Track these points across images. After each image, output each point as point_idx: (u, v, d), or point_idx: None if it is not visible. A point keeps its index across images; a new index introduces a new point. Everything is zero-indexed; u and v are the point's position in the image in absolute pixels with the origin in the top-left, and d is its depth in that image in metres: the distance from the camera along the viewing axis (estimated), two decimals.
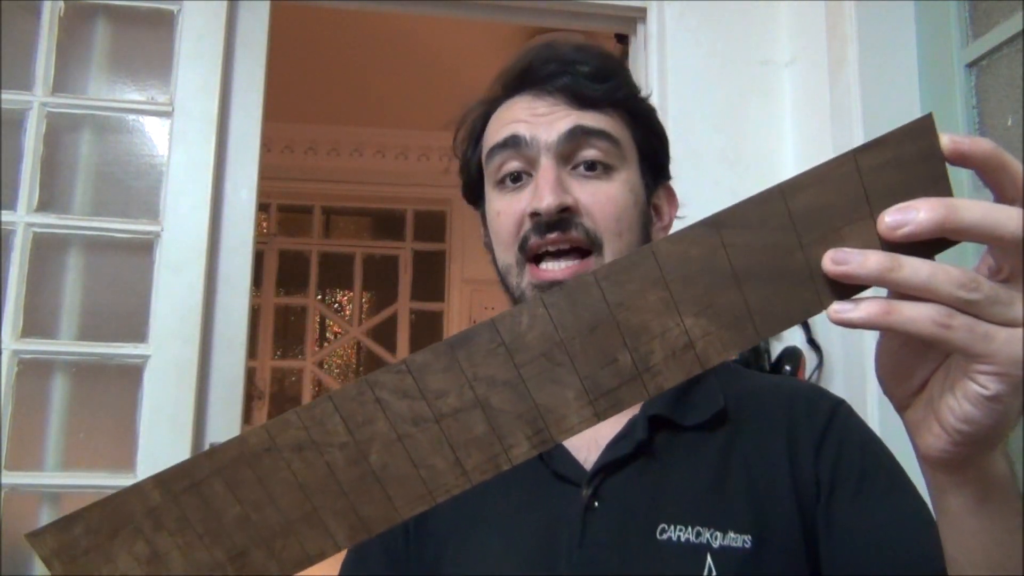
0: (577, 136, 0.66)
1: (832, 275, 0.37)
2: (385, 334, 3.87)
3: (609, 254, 0.65)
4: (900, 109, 1.41)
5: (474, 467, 0.39)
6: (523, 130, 0.67)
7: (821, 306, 0.38)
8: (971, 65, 1.35)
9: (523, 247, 0.66)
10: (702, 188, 1.56)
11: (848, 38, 1.44)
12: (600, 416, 0.38)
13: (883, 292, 0.38)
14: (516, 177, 0.68)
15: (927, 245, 0.36)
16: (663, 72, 1.64)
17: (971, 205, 0.35)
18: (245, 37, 1.56)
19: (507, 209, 0.68)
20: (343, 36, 2.72)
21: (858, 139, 1.40)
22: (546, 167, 0.65)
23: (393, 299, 3.87)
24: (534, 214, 0.65)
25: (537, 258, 0.67)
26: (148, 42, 1.55)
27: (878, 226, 0.36)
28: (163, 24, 1.52)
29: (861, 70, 1.42)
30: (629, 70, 0.74)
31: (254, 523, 0.39)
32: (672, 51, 1.64)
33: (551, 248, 0.66)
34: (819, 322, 1.50)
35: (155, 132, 1.52)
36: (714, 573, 0.59)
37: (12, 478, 1.35)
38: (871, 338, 1.33)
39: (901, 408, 0.42)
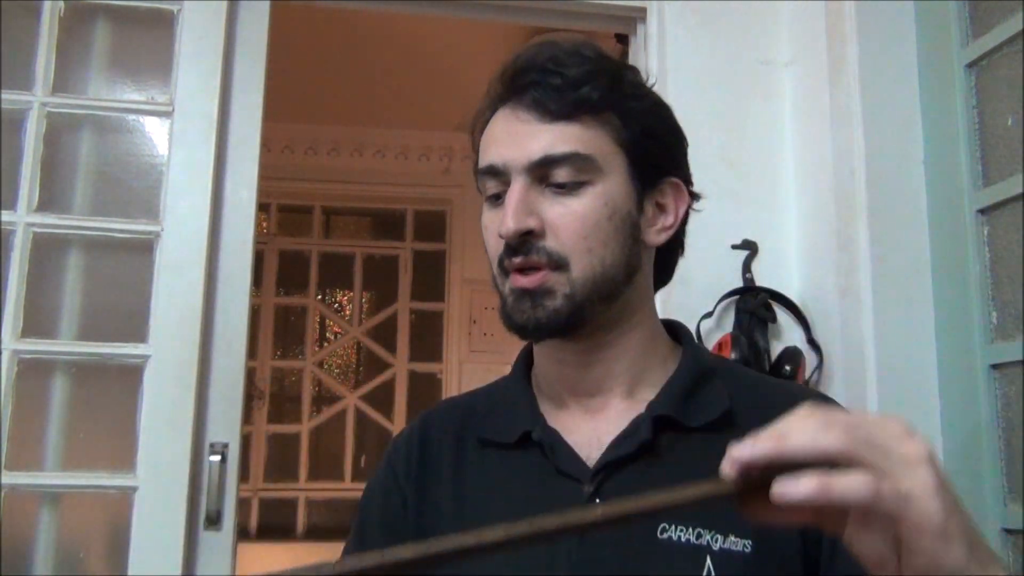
0: (544, 164, 0.67)
1: (737, 467, 0.43)
2: (385, 334, 3.86)
3: (577, 271, 0.66)
4: (900, 109, 1.41)
5: None
6: (498, 158, 0.68)
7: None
8: (971, 65, 1.35)
9: (501, 263, 0.69)
10: (702, 188, 1.54)
11: (848, 38, 1.44)
12: None
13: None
14: (497, 196, 0.70)
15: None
16: (663, 72, 1.64)
17: (798, 431, 0.43)
18: (245, 37, 1.56)
19: (490, 226, 0.71)
20: (343, 36, 2.71)
21: (858, 139, 1.40)
22: (513, 190, 0.67)
23: (393, 299, 3.86)
24: (500, 236, 0.67)
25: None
26: (148, 42, 1.55)
27: (722, 466, 0.43)
28: (163, 24, 1.52)
29: (861, 70, 1.42)
30: (624, 69, 0.73)
31: None
32: (672, 51, 1.64)
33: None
34: (819, 322, 1.50)
35: (155, 132, 1.52)
36: (713, 575, 0.60)
37: (12, 478, 1.35)
38: (871, 339, 1.34)
39: None
